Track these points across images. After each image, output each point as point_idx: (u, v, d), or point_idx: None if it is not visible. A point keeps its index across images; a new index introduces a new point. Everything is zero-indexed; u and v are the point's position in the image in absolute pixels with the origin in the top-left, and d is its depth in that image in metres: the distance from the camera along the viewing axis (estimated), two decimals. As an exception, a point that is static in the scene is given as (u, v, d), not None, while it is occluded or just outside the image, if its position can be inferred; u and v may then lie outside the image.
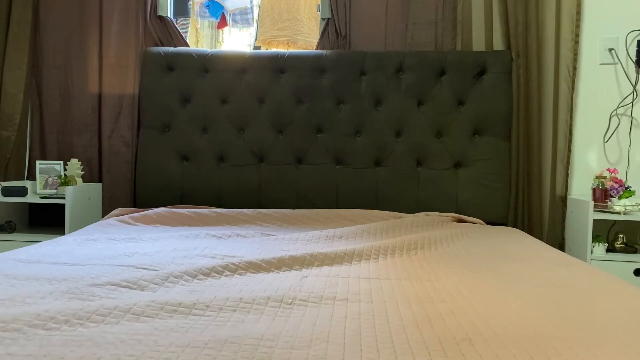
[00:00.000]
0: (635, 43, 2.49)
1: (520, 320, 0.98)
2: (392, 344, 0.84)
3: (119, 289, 1.10)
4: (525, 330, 0.92)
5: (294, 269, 1.35)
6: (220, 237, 1.80)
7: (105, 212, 2.62)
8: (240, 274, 1.28)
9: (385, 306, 1.04)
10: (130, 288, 1.11)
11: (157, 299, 1.02)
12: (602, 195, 2.29)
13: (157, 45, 2.66)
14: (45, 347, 0.78)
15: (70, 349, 0.77)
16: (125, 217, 2.14)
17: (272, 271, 1.32)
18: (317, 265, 1.40)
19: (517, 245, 1.85)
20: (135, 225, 2.06)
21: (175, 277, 1.20)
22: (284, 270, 1.34)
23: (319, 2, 2.73)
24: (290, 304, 1.03)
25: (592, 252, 2.23)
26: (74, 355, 0.75)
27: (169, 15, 2.75)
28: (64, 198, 2.36)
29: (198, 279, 1.22)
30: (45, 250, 1.49)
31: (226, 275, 1.26)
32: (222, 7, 2.99)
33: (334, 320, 0.95)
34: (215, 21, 3.15)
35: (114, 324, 0.89)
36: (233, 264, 1.30)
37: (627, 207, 2.24)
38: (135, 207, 2.61)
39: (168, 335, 0.84)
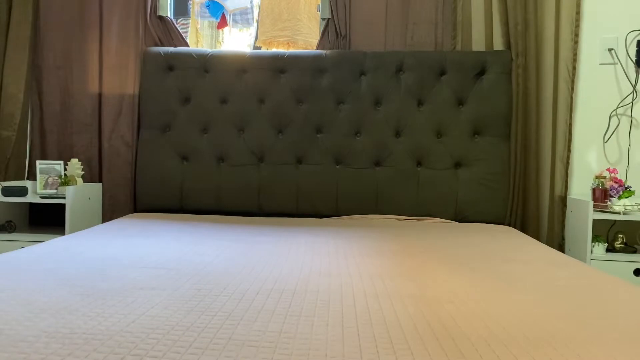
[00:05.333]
0: (635, 43, 2.49)
1: (520, 321, 0.98)
2: (408, 346, 0.84)
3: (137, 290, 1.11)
4: (525, 331, 0.92)
5: (296, 268, 1.36)
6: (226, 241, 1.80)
7: (105, 212, 2.63)
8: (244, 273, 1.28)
9: (393, 307, 1.05)
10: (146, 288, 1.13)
11: (171, 297, 1.04)
12: (601, 195, 2.29)
13: (157, 45, 2.66)
14: (68, 345, 0.79)
15: (93, 348, 0.78)
16: None
17: (276, 269, 1.33)
18: (319, 265, 1.41)
19: (514, 245, 1.85)
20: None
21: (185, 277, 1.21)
22: (287, 269, 1.34)
23: (319, 2, 2.73)
24: (298, 308, 1.03)
25: (592, 252, 2.24)
26: (97, 355, 0.76)
27: (169, 15, 2.75)
28: (64, 198, 2.36)
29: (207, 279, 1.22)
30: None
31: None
32: (222, 7, 2.99)
33: (345, 321, 0.95)
34: (215, 21, 3.15)
35: (129, 323, 0.90)
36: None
37: (627, 207, 2.24)
38: (135, 207, 2.61)
39: (185, 334, 0.86)
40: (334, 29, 2.61)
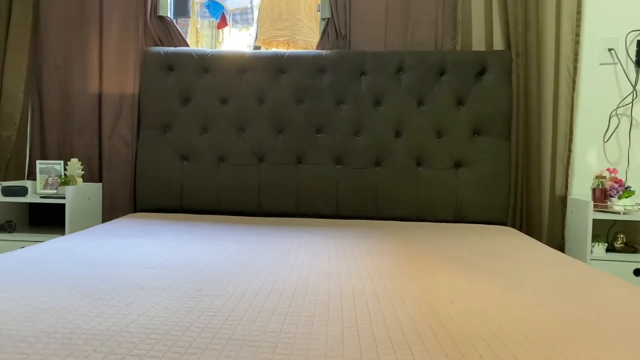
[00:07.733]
0: (635, 43, 2.49)
1: (520, 321, 0.98)
2: (408, 346, 0.85)
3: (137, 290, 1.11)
4: (525, 331, 0.92)
5: (296, 268, 1.36)
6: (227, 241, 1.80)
7: (105, 212, 2.63)
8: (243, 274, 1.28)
9: (393, 306, 1.05)
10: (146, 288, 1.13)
11: (170, 298, 1.04)
12: (602, 195, 2.29)
13: (157, 45, 2.66)
14: (68, 345, 0.79)
15: (93, 348, 0.78)
16: None
17: (276, 269, 1.33)
18: (319, 266, 1.41)
19: (514, 245, 1.85)
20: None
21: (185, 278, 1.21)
22: (287, 270, 1.34)
23: (319, 2, 2.73)
24: (298, 308, 1.03)
25: (592, 252, 2.24)
26: (97, 356, 0.76)
27: (169, 15, 2.75)
28: (64, 198, 2.36)
29: (206, 280, 1.22)
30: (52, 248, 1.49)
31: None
32: (222, 7, 3.00)
33: (345, 321, 0.95)
34: (215, 21, 3.15)
35: (129, 323, 0.90)
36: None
37: (627, 207, 2.24)
38: (135, 207, 2.62)
39: (184, 334, 0.86)
40: (334, 29, 2.61)
